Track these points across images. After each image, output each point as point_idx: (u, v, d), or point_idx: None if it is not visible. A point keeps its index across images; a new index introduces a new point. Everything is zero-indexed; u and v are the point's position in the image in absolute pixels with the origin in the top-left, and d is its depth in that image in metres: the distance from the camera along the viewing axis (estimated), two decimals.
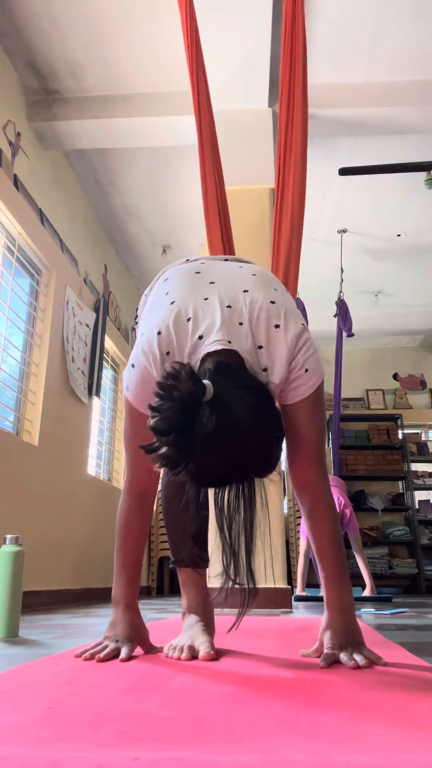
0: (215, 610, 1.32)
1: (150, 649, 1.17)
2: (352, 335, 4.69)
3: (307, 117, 2.65)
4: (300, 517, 4.80)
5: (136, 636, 1.15)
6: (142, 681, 0.91)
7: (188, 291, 1.11)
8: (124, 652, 1.09)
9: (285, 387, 1.09)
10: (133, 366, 1.10)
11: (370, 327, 6.56)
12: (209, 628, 1.24)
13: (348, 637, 1.07)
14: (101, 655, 1.08)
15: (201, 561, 1.30)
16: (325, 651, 1.06)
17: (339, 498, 3.84)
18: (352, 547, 3.86)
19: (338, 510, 3.76)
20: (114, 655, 1.09)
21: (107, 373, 4.84)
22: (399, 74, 3.39)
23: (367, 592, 3.75)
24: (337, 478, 4.27)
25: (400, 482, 6.50)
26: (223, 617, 1.94)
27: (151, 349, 1.06)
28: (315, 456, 1.13)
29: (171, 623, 1.96)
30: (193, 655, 1.12)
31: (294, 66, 2.63)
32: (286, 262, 2.57)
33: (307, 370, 1.08)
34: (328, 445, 5.66)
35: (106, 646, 1.11)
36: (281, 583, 2.85)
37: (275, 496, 3.02)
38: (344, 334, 4.67)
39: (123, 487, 1.20)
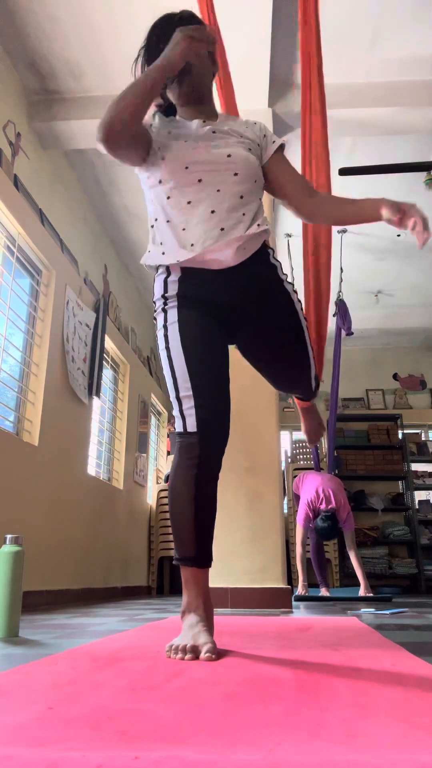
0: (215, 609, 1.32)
1: None
2: (352, 334, 4.69)
3: (326, 116, 2.68)
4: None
5: None
6: (142, 681, 0.91)
7: None
8: None
9: (261, 147, 1.48)
10: None
11: (370, 327, 6.57)
12: (210, 628, 1.24)
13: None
14: None
15: (205, 560, 1.30)
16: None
17: (339, 497, 3.84)
18: (347, 546, 3.87)
19: (342, 507, 3.78)
20: None
21: (107, 373, 4.84)
22: (399, 74, 3.39)
23: (362, 592, 3.75)
24: (334, 476, 4.27)
25: (400, 482, 6.50)
26: (223, 617, 1.93)
27: None
28: (307, 184, 1.51)
29: (171, 623, 1.96)
30: (196, 655, 1.12)
31: (310, 64, 2.65)
32: (315, 270, 2.61)
33: (265, 136, 1.51)
34: (324, 446, 5.65)
35: None
36: (281, 583, 2.85)
37: (274, 497, 3.02)
38: (343, 333, 4.67)
39: None
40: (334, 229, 4.85)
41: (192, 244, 1.35)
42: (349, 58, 3.31)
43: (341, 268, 4.92)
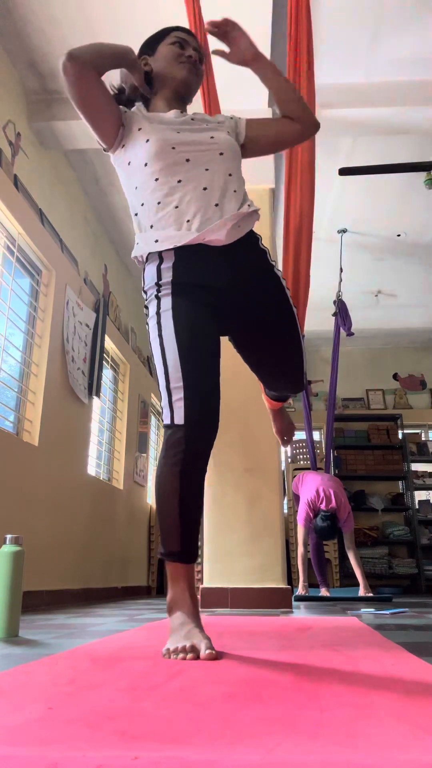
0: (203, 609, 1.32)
1: None
2: (352, 334, 4.70)
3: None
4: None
5: None
6: (142, 681, 0.91)
7: None
8: None
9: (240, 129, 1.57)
10: None
11: (370, 327, 6.57)
12: (200, 624, 1.23)
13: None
14: None
15: (190, 555, 1.29)
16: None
17: (340, 497, 3.85)
18: (346, 545, 3.88)
19: (342, 507, 3.79)
20: None
21: (107, 373, 4.84)
22: (399, 74, 3.39)
23: (361, 593, 3.75)
24: (333, 476, 4.27)
25: (400, 482, 6.50)
26: (223, 617, 1.93)
27: None
28: (283, 118, 1.58)
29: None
30: (196, 654, 1.11)
31: (299, 64, 2.61)
32: (295, 264, 2.56)
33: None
34: (323, 446, 5.65)
35: None
36: (281, 583, 2.85)
37: (274, 497, 3.02)
38: (342, 333, 4.67)
39: None
40: (334, 228, 4.86)
41: (188, 220, 1.36)
42: (349, 58, 3.31)
43: (341, 268, 4.92)
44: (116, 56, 1.45)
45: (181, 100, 1.56)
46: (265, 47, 3.10)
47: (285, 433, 2.04)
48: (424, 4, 3.00)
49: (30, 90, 3.51)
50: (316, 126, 1.58)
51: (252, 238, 1.45)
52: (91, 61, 1.39)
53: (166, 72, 1.53)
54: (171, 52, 1.52)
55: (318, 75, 3.34)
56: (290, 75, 2.61)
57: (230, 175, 1.44)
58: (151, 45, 1.57)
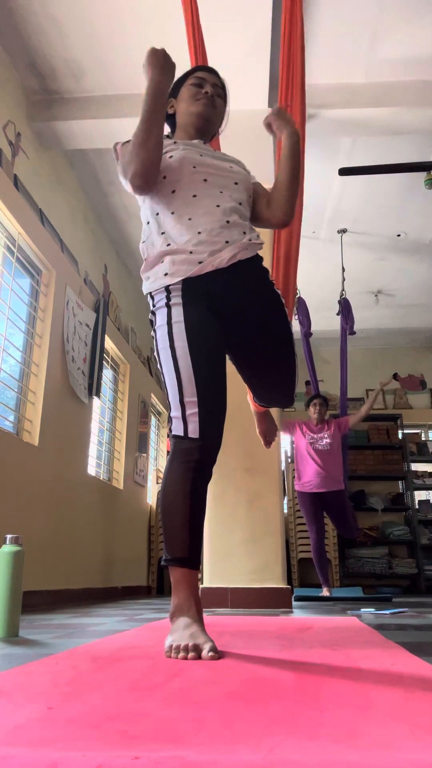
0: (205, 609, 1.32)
1: None
2: (354, 333, 4.70)
3: (305, 116, 2.66)
4: (300, 518, 4.79)
5: None
6: (142, 681, 0.91)
7: None
8: None
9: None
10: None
11: (370, 327, 6.57)
12: (204, 628, 1.23)
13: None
14: None
15: (197, 561, 1.29)
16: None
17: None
18: (356, 413, 4.33)
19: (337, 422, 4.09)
20: None
21: (107, 373, 4.84)
22: (399, 74, 3.39)
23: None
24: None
25: (400, 482, 6.50)
26: (223, 617, 1.93)
27: None
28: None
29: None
30: (198, 654, 1.11)
31: (292, 66, 2.64)
32: (286, 261, 2.58)
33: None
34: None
35: None
36: (281, 583, 2.85)
37: (274, 497, 3.02)
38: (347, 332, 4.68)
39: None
40: (334, 228, 4.86)
41: (199, 232, 1.41)
42: (349, 58, 3.31)
43: (342, 268, 4.92)
44: (159, 137, 1.41)
45: (201, 133, 1.62)
46: (265, 46, 3.10)
47: (268, 434, 2.10)
48: (424, 4, 3.00)
49: (30, 90, 3.51)
50: (285, 224, 1.62)
51: (256, 257, 1.51)
52: (151, 182, 1.42)
53: (185, 110, 1.61)
54: (189, 93, 1.61)
55: (318, 75, 3.36)
56: (283, 76, 2.63)
57: (240, 204, 1.52)
58: (175, 88, 1.66)
